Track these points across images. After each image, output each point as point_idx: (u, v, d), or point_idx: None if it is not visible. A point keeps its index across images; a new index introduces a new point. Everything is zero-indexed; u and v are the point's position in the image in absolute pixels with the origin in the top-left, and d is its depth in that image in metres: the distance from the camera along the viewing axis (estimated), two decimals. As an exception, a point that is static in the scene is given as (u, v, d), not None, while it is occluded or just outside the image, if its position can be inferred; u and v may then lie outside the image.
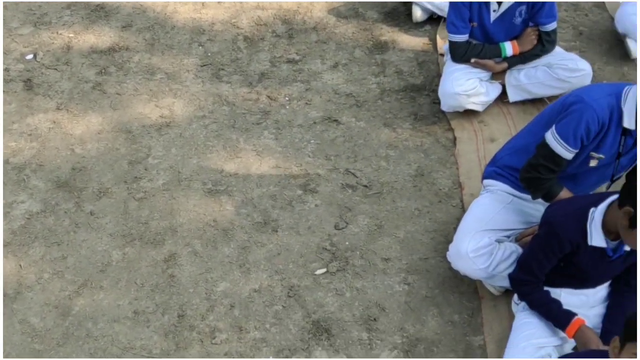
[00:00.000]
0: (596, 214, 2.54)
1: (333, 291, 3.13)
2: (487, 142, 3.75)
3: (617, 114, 2.68)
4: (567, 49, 4.26)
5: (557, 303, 2.70)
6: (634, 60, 4.17)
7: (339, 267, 3.21)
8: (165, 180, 3.60)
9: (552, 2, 3.69)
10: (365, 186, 3.57)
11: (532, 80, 3.82)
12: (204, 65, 4.26)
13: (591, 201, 2.58)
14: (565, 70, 3.76)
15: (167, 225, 3.39)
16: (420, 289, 3.13)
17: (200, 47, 4.38)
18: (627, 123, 2.67)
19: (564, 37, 4.42)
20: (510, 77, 3.88)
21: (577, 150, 2.75)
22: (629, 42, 4.16)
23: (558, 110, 2.82)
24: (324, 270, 3.20)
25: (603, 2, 4.64)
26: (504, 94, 3.92)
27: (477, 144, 3.76)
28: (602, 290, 2.81)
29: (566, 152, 2.76)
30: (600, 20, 4.51)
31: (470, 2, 3.67)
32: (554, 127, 2.76)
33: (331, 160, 3.70)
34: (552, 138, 2.76)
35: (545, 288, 2.77)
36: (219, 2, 4.72)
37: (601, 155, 2.78)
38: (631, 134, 2.71)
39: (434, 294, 3.11)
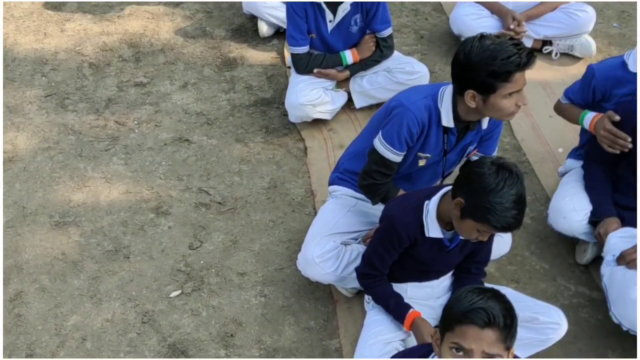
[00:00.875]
0: (430, 207, 2.64)
1: (189, 312, 3.10)
2: (336, 149, 3.83)
3: (435, 114, 2.80)
4: (410, 53, 4.43)
5: (397, 297, 2.78)
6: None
7: (194, 287, 3.19)
8: (9, 217, 3.47)
9: (385, 9, 3.82)
10: (219, 203, 3.57)
11: (374, 85, 3.94)
12: (48, 96, 4.14)
13: (426, 194, 2.68)
14: (404, 73, 3.89)
15: (12, 263, 3.26)
16: (277, 299, 3.15)
17: (44, 78, 4.26)
18: (445, 122, 2.80)
19: (406, 41, 4.58)
20: (354, 84, 3.99)
21: (404, 153, 2.85)
22: (465, 43, 4.36)
23: (383, 115, 2.92)
24: (179, 292, 3.17)
25: (440, 4, 4.85)
26: (350, 101, 4.03)
27: (328, 152, 3.84)
28: (446, 280, 2.91)
29: (394, 156, 2.85)
30: (440, 23, 4.71)
31: (307, 14, 3.75)
32: (380, 132, 2.86)
33: (183, 181, 3.68)
34: (379, 143, 2.86)
35: (393, 284, 2.85)
36: (61, 31, 4.61)
37: (428, 155, 2.89)
38: (452, 131, 2.83)
39: (290, 303, 3.14)
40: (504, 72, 2.58)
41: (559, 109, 3.37)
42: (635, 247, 2.83)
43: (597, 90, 3.13)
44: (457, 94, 2.74)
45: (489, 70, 2.58)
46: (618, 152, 2.98)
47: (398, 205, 2.71)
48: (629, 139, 2.94)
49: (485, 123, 2.89)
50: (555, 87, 4.15)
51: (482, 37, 2.64)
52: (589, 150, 3.21)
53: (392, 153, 2.84)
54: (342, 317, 3.07)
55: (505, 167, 2.38)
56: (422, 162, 2.92)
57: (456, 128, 2.83)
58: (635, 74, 3.02)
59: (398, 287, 2.85)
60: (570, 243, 3.31)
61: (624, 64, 3.07)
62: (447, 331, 2.10)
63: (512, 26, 4.21)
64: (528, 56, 2.58)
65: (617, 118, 2.98)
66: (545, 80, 4.24)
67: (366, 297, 2.95)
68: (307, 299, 3.15)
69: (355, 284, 2.98)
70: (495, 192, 2.34)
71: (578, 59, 4.37)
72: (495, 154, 3.05)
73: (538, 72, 4.30)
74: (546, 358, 2.85)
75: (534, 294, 3.15)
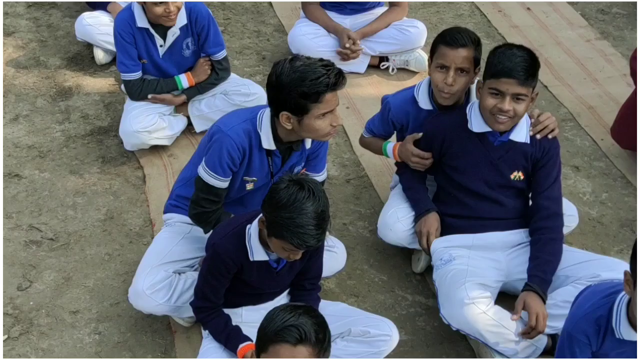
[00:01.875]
0: (252, 230, 2.62)
1: (16, 357, 2.93)
2: (177, 175, 3.73)
3: (255, 137, 2.79)
4: (252, 74, 4.43)
5: (229, 331, 2.73)
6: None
7: (22, 331, 3.02)
8: None
9: (217, 32, 3.80)
10: (51, 239, 3.42)
11: (212, 108, 3.90)
12: None
13: (247, 218, 2.67)
14: (240, 95, 3.89)
15: None
16: (112, 335, 3.04)
17: None
18: (266, 145, 2.80)
19: (249, 63, 4.58)
20: (193, 108, 3.94)
21: (229, 178, 2.83)
22: (304, 62, 4.40)
23: (206, 141, 2.89)
24: (5, 337, 3.00)
25: (282, 25, 4.88)
26: (191, 125, 3.97)
27: (168, 178, 3.76)
28: (282, 300, 2.90)
29: (219, 182, 2.82)
30: (281, 43, 4.73)
31: (135, 40, 3.67)
32: (203, 160, 2.83)
33: (12, 218, 3.50)
34: (203, 171, 2.83)
35: (228, 310, 2.81)
36: None
37: (254, 178, 2.88)
38: (275, 153, 2.83)
39: (126, 339, 3.03)
40: (313, 93, 2.60)
41: (363, 143, 3.49)
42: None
43: (395, 122, 3.28)
44: (275, 116, 2.74)
45: (299, 92, 2.60)
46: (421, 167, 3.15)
47: (220, 232, 2.68)
48: (428, 155, 3.10)
49: (308, 143, 2.91)
50: (392, 101, 4.26)
51: (293, 58, 2.66)
52: (398, 166, 3.34)
53: (216, 180, 2.81)
54: (180, 348, 3.00)
55: (300, 183, 2.40)
56: (249, 186, 2.91)
57: (279, 150, 2.83)
58: (425, 110, 3.18)
59: (233, 313, 2.82)
60: (407, 253, 3.38)
61: (414, 99, 3.21)
62: (262, 352, 2.08)
63: (347, 44, 4.30)
64: (337, 77, 2.62)
65: (418, 136, 3.11)
66: (383, 94, 4.33)
67: (203, 324, 2.89)
68: (144, 333, 3.05)
69: (191, 312, 2.92)
70: (287, 208, 2.36)
71: (414, 73, 4.51)
72: (324, 171, 3.08)
73: (376, 88, 4.42)
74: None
75: (373, 306, 3.20)
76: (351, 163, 3.93)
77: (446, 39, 3.03)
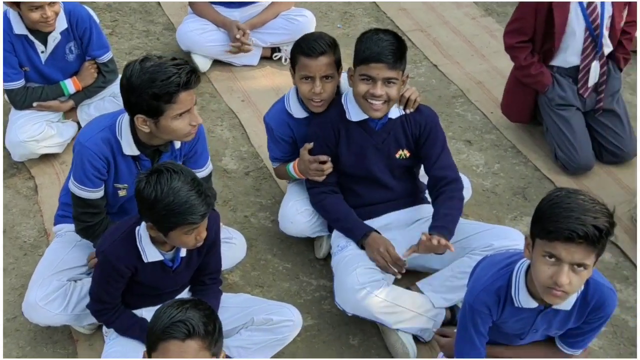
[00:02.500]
0: (142, 232, 2.58)
1: None
2: (70, 182, 3.67)
3: (116, 145, 2.74)
4: (144, 75, 4.34)
5: (143, 321, 2.69)
6: (205, 74, 4.39)
7: None
8: None
9: (100, 34, 3.73)
10: (-59, 260, 3.28)
11: (102, 112, 3.79)
12: None
13: (136, 220, 2.62)
14: (130, 96, 3.81)
15: None
16: (11, 351, 2.94)
17: None
18: (128, 151, 2.75)
19: (139, 63, 4.50)
20: (82, 113, 3.85)
21: (100, 188, 2.79)
22: (195, 57, 4.36)
23: None
24: None
25: (172, 23, 4.82)
26: (82, 130, 3.87)
27: (61, 186, 3.65)
28: (183, 297, 2.87)
29: (92, 194, 2.78)
30: (172, 41, 4.66)
31: (14, 47, 3.56)
32: (71, 174, 2.77)
33: None
34: (73, 186, 2.78)
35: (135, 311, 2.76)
36: None
37: (125, 185, 2.84)
38: (141, 157, 2.79)
39: (25, 353, 2.94)
40: (164, 93, 2.56)
41: (277, 175, 3.44)
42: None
43: (284, 138, 3.24)
44: (132, 120, 2.69)
45: (150, 93, 2.55)
46: (324, 177, 3.07)
47: (109, 238, 2.63)
48: (325, 158, 3.05)
49: (178, 143, 2.86)
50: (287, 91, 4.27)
51: (144, 59, 2.61)
52: (307, 182, 3.20)
53: (87, 192, 2.77)
54: (84, 357, 2.93)
55: (156, 171, 2.39)
56: (122, 193, 2.86)
57: (145, 154, 2.79)
58: (302, 118, 3.17)
59: (137, 313, 2.77)
60: (310, 239, 3.40)
61: (287, 112, 3.20)
62: (152, 351, 2.06)
63: (238, 36, 4.28)
64: (189, 75, 2.58)
65: (310, 146, 3.08)
66: (277, 85, 4.35)
67: (104, 328, 2.83)
68: (44, 345, 2.97)
69: (92, 319, 2.86)
70: (160, 199, 2.35)
71: (307, 61, 4.52)
72: (207, 165, 3.04)
73: (270, 79, 4.43)
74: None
75: (278, 294, 3.21)
76: (249, 155, 3.92)
77: (304, 50, 3.02)
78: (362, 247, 2.97)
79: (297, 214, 3.19)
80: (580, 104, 3.78)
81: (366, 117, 2.98)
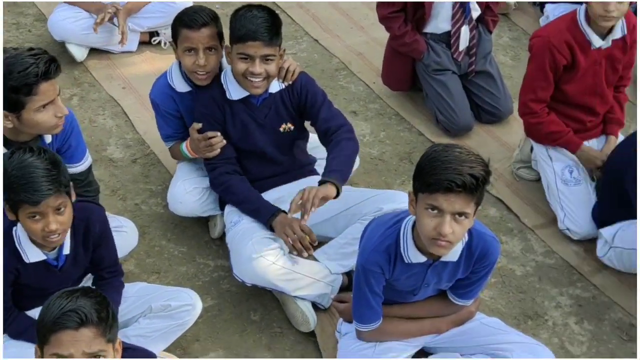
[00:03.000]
0: (19, 232, 2.50)
1: None
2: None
3: None
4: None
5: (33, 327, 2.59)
6: (82, 64, 4.26)
7: None
8: None
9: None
10: None
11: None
12: None
13: (9, 223, 2.50)
14: None
15: None
16: None
17: None
18: None
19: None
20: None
21: None
22: (70, 47, 4.23)
23: None
24: None
25: (44, 14, 4.64)
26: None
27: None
28: None
29: None
30: (45, 32, 4.49)
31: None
32: None
33: None
34: None
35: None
36: None
37: None
38: None
39: None
40: (23, 85, 2.48)
41: (173, 155, 3.34)
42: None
43: (171, 113, 3.19)
44: None
45: (8, 86, 2.46)
46: (218, 151, 3.03)
47: None
48: (218, 134, 3.01)
49: (48, 137, 2.75)
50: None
51: (4, 51, 2.53)
52: (207, 165, 3.14)
53: None
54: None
55: (19, 148, 2.35)
56: None
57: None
58: (186, 92, 3.14)
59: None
60: (204, 221, 3.38)
61: (170, 86, 3.15)
62: (45, 345, 2.00)
63: (110, 11, 4.13)
64: (47, 65, 2.50)
65: (199, 126, 3.03)
66: (158, 69, 4.16)
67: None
68: None
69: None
70: (9, 172, 2.31)
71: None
72: (84, 159, 2.95)
73: (151, 64, 4.35)
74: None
75: (176, 279, 3.18)
76: (135, 142, 3.85)
77: (186, 22, 2.99)
78: (271, 228, 2.94)
79: (186, 194, 3.17)
80: (455, 67, 3.91)
81: (246, 94, 2.98)
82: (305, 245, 2.88)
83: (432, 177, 2.18)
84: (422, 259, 2.42)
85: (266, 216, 2.95)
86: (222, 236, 3.31)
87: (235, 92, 3.00)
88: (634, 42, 3.34)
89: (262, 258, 2.82)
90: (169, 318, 2.73)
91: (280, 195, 3.11)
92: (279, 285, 2.86)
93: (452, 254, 2.41)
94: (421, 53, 3.85)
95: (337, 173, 2.89)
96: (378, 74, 4.24)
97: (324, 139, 3.07)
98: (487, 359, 2.61)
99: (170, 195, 3.23)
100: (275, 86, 3.02)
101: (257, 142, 3.06)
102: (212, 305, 3.07)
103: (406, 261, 2.43)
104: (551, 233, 3.42)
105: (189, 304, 2.76)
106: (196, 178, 3.20)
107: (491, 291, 3.16)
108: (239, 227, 2.96)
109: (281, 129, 3.07)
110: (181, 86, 3.15)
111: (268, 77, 2.91)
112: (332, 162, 2.93)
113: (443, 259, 2.42)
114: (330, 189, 2.82)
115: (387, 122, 4.05)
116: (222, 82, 3.02)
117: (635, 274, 3.16)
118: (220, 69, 3.11)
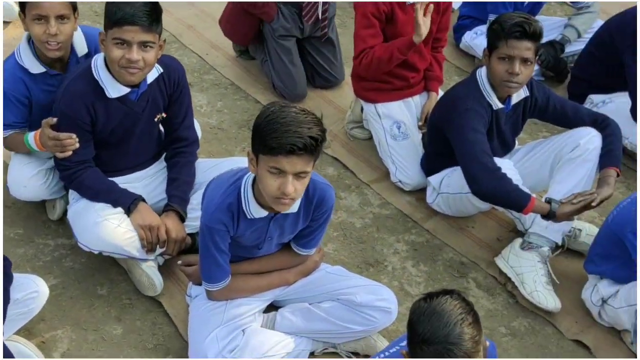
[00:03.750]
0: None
1: None
2: None
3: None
4: None
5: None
6: None
7: None
8: None
9: None
10: None
11: None
12: None
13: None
14: None
15: None
16: None
17: None
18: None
19: None
20: None
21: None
22: None
23: None
24: None
25: None
26: None
27: None
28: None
29: None
30: None
31: None
32: None
33: None
34: None
35: None
36: None
37: None
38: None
39: None
40: None
41: (9, 145, 3.08)
42: None
43: (19, 98, 2.99)
44: None
45: None
46: (70, 152, 2.84)
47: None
48: (74, 136, 2.81)
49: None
50: None
51: None
52: (56, 162, 2.96)
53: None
54: None
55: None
56: None
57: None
58: (40, 73, 2.96)
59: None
60: (39, 202, 3.25)
61: (21, 67, 2.95)
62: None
63: None
64: None
65: (53, 121, 2.82)
66: None
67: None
68: None
69: None
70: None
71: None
72: None
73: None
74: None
75: (15, 262, 3.01)
76: None
77: None
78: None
79: (31, 178, 3.05)
80: (299, 32, 4.00)
81: (126, 91, 2.81)
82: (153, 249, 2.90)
83: (273, 140, 2.23)
84: (264, 213, 2.49)
85: (126, 204, 2.87)
86: (62, 217, 3.22)
87: (113, 89, 2.80)
88: (449, 5, 3.59)
89: (106, 222, 2.78)
90: (15, 306, 2.60)
91: (135, 177, 3.08)
92: (125, 249, 2.82)
93: (293, 207, 2.50)
94: (271, 17, 3.90)
95: (185, 203, 2.98)
96: (211, 46, 4.27)
97: (175, 143, 3.07)
98: (334, 302, 2.73)
99: (11, 181, 3.08)
100: (153, 74, 2.87)
101: (130, 136, 2.95)
102: (56, 284, 2.99)
103: (249, 217, 2.50)
104: (385, 186, 3.62)
105: (35, 291, 2.65)
106: (38, 160, 3.08)
107: (334, 244, 3.31)
108: (82, 202, 2.90)
109: (155, 119, 2.98)
110: (34, 67, 2.95)
111: (145, 67, 2.74)
112: (185, 186, 3.02)
113: (284, 212, 2.51)
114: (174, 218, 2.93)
115: (224, 92, 4.09)
116: (96, 77, 2.80)
117: (463, 217, 3.45)
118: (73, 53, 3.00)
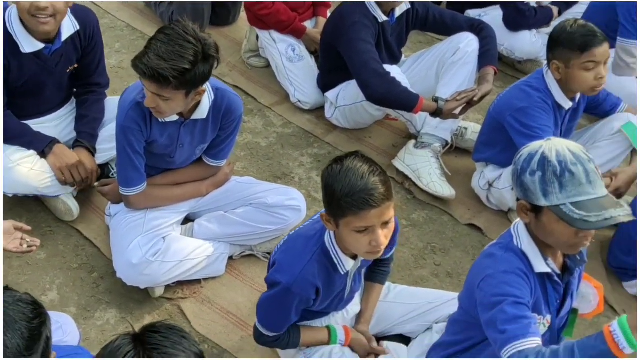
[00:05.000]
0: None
1: None
2: None
3: None
4: None
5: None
6: None
7: None
8: None
9: None
10: None
11: None
12: None
13: None
14: None
15: None
16: None
17: None
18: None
19: None
20: None
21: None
22: None
23: None
24: None
25: None
26: None
27: None
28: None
29: None
30: None
31: None
32: None
33: None
34: None
35: None
36: None
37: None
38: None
39: None
40: None
41: None
42: None
43: None
44: None
45: None
46: None
47: None
48: None
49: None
50: None
51: None
52: None
53: None
54: None
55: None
56: None
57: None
58: None
59: None
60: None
61: None
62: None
63: None
64: None
65: None
66: None
67: None
68: None
69: None
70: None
71: None
72: None
73: None
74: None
75: None
76: None
77: None
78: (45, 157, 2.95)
79: None
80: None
81: (40, 47, 2.85)
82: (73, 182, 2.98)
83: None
84: (174, 117, 2.63)
85: (40, 147, 2.94)
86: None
87: (27, 44, 2.84)
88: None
89: (19, 167, 2.87)
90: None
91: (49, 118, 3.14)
92: (40, 190, 2.94)
93: (201, 112, 2.66)
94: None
95: (95, 139, 3.07)
96: (102, -9, 4.30)
97: (84, 88, 3.14)
98: (247, 207, 2.92)
99: None
100: (68, 30, 2.91)
101: (42, 87, 3.00)
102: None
103: (160, 120, 2.63)
104: (286, 108, 3.82)
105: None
106: None
107: (242, 162, 3.49)
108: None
109: (68, 71, 3.04)
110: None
111: (56, 14, 2.77)
112: (94, 123, 3.10)
113: (194, 117, 2.66)
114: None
115: (120, 34, 4.17)
116: (10, 31, 2.82)
117: (361, 129, 3.70)
118: None
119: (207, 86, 2.60)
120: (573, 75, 2.94)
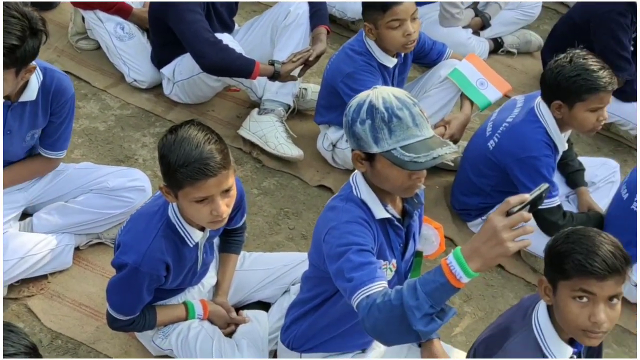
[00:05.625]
0: None
1: None
2: None
3: None
4: None
5: None
6: None
7: None
8: None
9: None
10: None
11: None
12: None
13: None
14: None
15: None
16: None
17: None
18: None
19: None
20: None
21: None
22: None
23: None
24: None
25: None
26: None
27: None
28: None
29: None
30: None
31: None
32: None
33: None
34: None
35: None
36: None
37: None
38: None
39: None
40: None
41: None
42: None
43: None
44: None
45: None
46: None
47: None
48: None
49: None
50: None
51: None
52: None
53: None
54: None
55: None
56: None
57: None
58: None
59: None
60: None
61: None
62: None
63: None
64: None
65: None
66: None
67: None
68: None
69: None
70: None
71: None
72: None
73: None
74: None
75: None
76: None
77: None
78: None
79: None
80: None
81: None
82: None
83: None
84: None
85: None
86: None
87: None
88: None
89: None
90: None
91: None
92: None
93: (30, 93, 2.50)
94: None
95: None
96: None
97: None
98: (88, 193, 2.80)
99: None
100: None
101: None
102: None
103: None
104: (122, 89, 3.68)
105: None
106: None
107: (80, 149, 3.34)
108: None
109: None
110: None
111: None
112: None
113: (21, 99, 2.50)
114: None
115: None
116: None
117: (202, 102, 3.63)
118: None
119: (35, 64, 2.44)
120: (383, 35, 3.06)
